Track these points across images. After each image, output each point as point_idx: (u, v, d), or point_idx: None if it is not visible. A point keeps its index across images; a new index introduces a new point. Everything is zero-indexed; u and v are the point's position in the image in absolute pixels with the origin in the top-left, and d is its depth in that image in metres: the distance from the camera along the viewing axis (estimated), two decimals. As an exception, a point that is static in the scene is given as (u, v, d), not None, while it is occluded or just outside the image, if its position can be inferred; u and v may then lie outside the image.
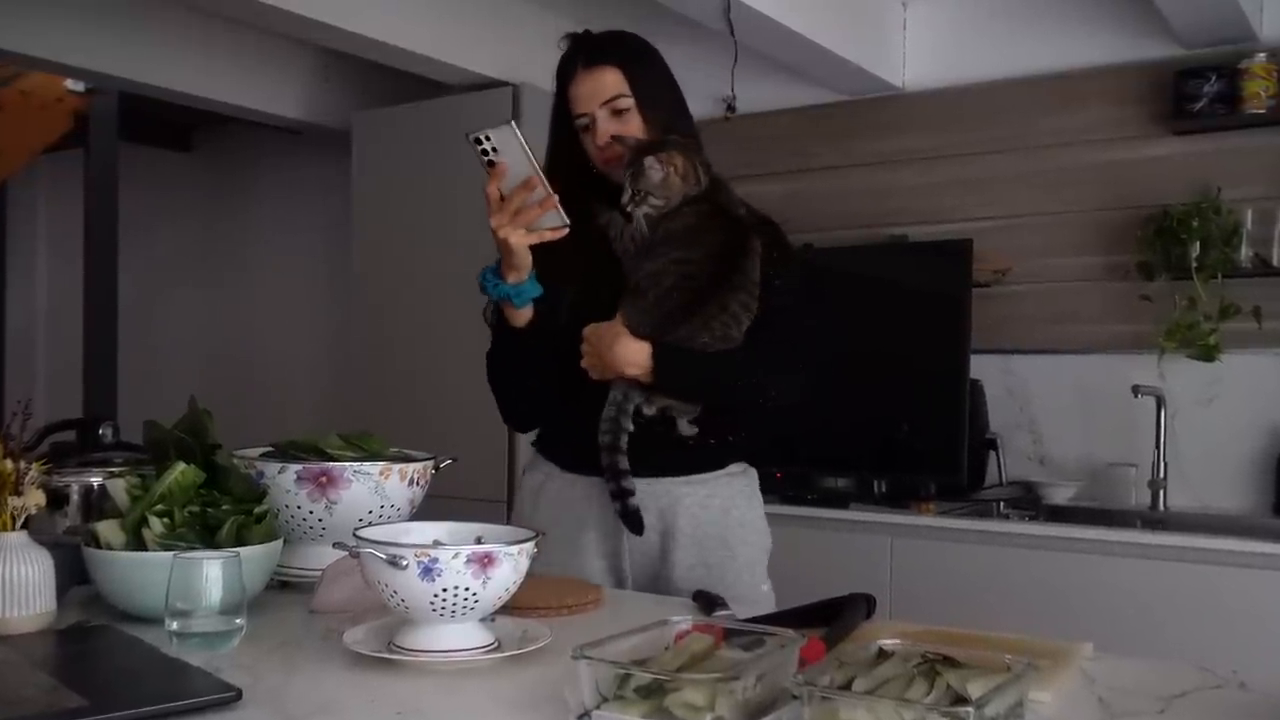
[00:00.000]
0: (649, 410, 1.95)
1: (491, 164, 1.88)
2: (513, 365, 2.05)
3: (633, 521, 1.95)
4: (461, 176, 4.17)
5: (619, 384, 1.94)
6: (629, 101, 1.98)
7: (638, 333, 1.90)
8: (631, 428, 1.94)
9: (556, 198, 1.88)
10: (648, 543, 2.02)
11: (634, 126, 1.97)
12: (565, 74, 2.04)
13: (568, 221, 1.91)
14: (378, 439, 1.88)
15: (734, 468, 2.10)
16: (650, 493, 2.00)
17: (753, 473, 2.15)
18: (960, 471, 3.49)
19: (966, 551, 3.24)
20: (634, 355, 1.90)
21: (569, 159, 2.05)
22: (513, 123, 1.85)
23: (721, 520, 2.04)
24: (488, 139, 1.87)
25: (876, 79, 3.99)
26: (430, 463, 1.88)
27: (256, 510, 1.65)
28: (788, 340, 1.97)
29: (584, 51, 2.02)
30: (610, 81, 1.98)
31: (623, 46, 2.04)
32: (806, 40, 3.56)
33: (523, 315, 1.99)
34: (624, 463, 1.94)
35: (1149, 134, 3.65)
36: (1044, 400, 3.82)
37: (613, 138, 1.98)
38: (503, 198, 1.88)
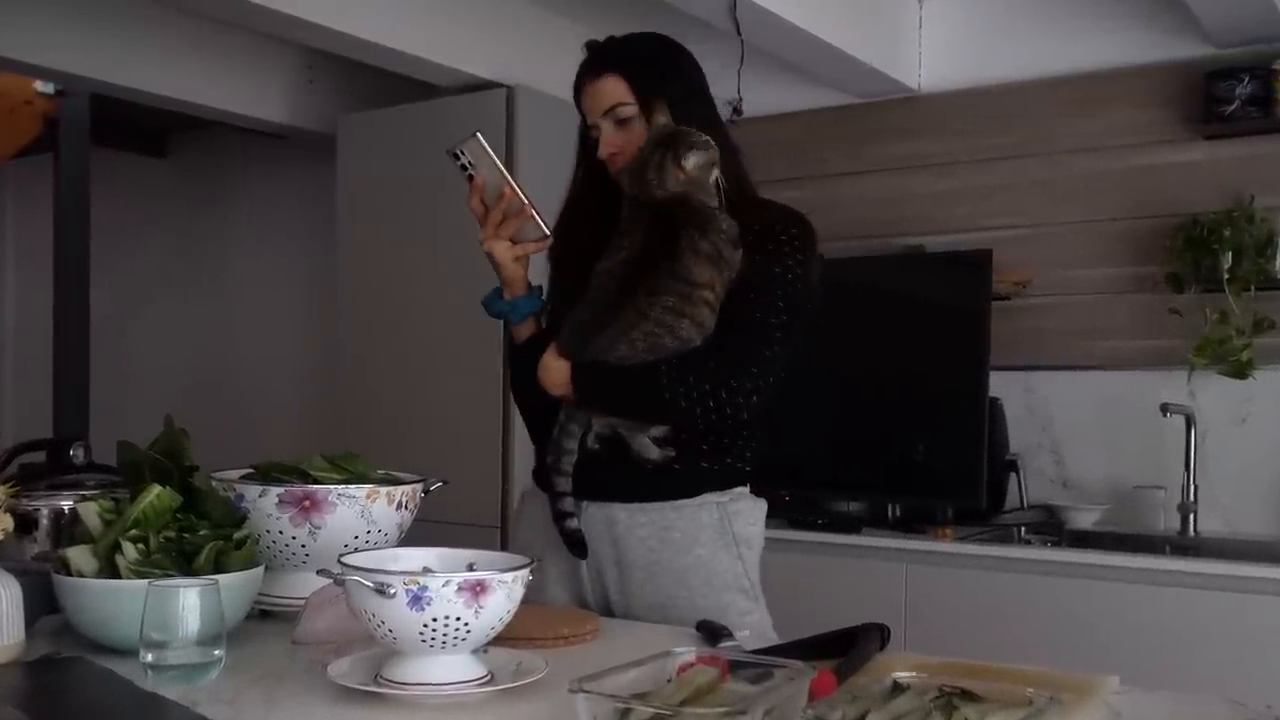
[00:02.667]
0: (598, 430, 1.97)
1: (471, 178, 1.99)
2: (522, 384, 2.07)
3: (572, 543, 1.99)
4: (452, 184, 4.19)
5: (565, 402, 1.97)
6: (631, 109, 1.99)
7: (560, 349, 1.94)
8: (573, 447, 1.96)
9: (532, 208, 1.98)
10: (604, 573, 2.02)
11: (637, 135, 1.98)
12: (577, 84, 2.07)
13: (547, 232, 2.02)
14: (364, 460, 1.89)
15: (710, 497, 2.00)
16: (603, 518, 2.01)
17: (742, 507, 2.03)
18: (979, 494, 3.49)
19: (985, 579, 3.24)
20: (554, 375, 1.95)
21: (588, 168, 2.09)
22: (479, 135, 1.96)
23: (681, 557, 1.98)
24: (463, 154, 1.97)
25: (890, 80, 4.01)
26: (419, 485, 1.89)
27: (236, 535, 1.65)
28: (741, 346, 1.88)
29: (591, 59, 2.05)
30: (611, 90, 2.00)
31: (629, 52, 2.04)
32: (816, 39, 3.57)
33: (523, 331, 2.08)
34: (562, 484, 1.97)
35: (1178, 138, 3.66)
36: (1067, 419, 3.82)
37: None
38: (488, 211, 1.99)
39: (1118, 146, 3.76)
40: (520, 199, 1.98)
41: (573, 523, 1.98)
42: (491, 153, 1.97)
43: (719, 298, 1.87)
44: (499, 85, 4.09)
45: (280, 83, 4.77)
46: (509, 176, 1.98)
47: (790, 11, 3.39)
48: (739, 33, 3.37)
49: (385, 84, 4.47)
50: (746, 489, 2.07)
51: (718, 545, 1.99)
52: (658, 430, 1.95)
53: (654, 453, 1.95)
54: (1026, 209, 3.90)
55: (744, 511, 2.03)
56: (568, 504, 1.98)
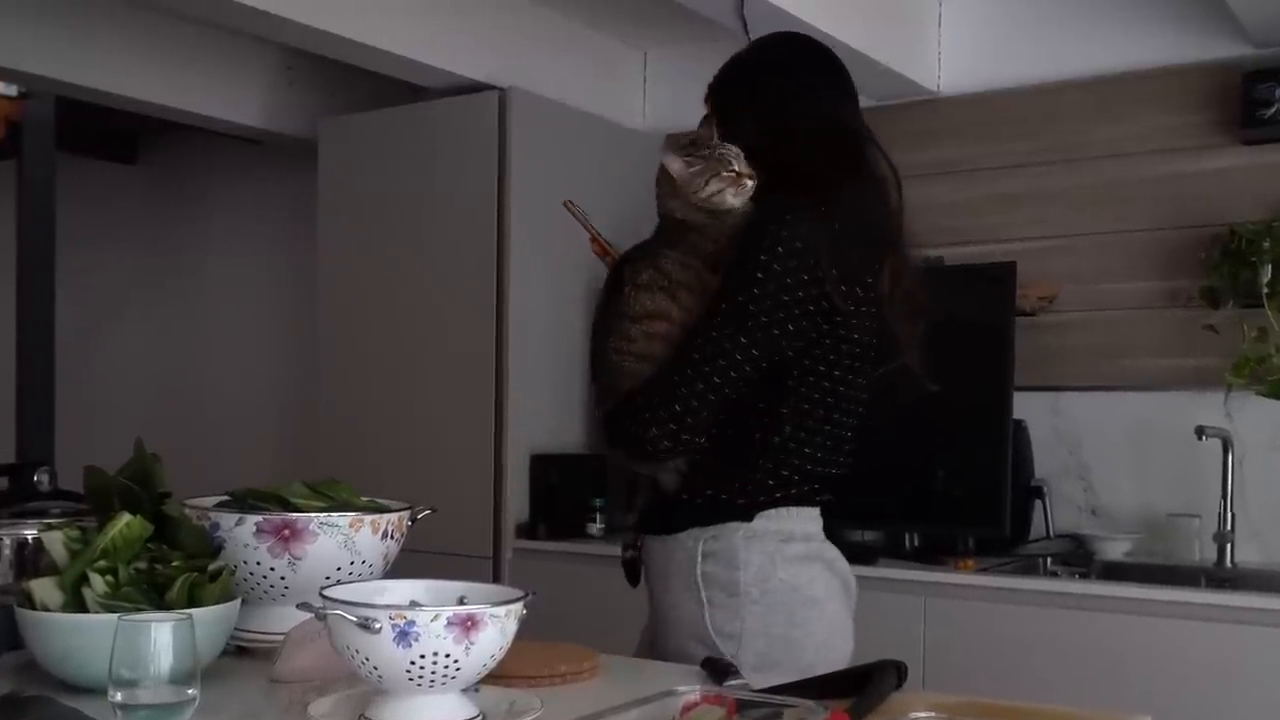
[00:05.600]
0: None
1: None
2: None
3: (626, 571, 2.16)
4: (439, 192, 4.21)
5: None
6: (720, 129, 2.09)
7: None
8: (646, 485, 2.11)
9: (612, 257, 2.16)
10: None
11: None
12: None
13: None
14: (347, 487, 1.89)
15: (694, 533, 2.00)
16: (646, 548, 2.14)
17: (722, 546, 1.98)
18: (1002, 523, 3.49)
19: (1009, 613, 3.24)
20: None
21: None
22: (565, 202, 2.20)
23: (661, 594, 2.08)
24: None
25: (908, 82, 4.01)
26: (406, 513, 1.89)
27: (211, 567, 1.66)
28: (658, 372, 1.96)
29: None
30: (711, 113, 2.15)
31: (719, 76, 2.18)
32: (830, 39, 3.57)
33: None
34: (630, 518, 2.16)
35: (1214, 144, 3.66)
36: (1096, 443, 3.82)
37: None
38: None
39: (1150, 152, 3.76)
40: (600, 251, 2.19)
41: (627, 553, 2.16)
42: (577, 215, 2.18)
43: (680, 324, 1.96)
44: (491, 88, 4.09)
45: (257, 84, 4.78)
46: (591, 231, 2.19)
47: (801, 9, 3.40)
48: (747, 32, 3.37)
49: (369, 86, 4.48)
50: (749, 525, 1.99)
51: (682, 586, 2.01)
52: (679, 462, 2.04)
53: (670, 482, 2.04)
54: (1052, 219, 3.91)
55: (723, 552, 1.98)
56: (628, 536, 2.16)
